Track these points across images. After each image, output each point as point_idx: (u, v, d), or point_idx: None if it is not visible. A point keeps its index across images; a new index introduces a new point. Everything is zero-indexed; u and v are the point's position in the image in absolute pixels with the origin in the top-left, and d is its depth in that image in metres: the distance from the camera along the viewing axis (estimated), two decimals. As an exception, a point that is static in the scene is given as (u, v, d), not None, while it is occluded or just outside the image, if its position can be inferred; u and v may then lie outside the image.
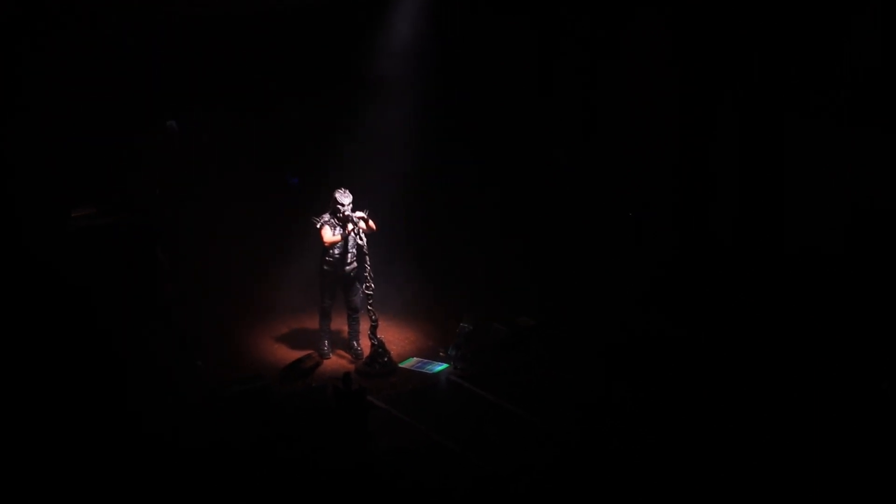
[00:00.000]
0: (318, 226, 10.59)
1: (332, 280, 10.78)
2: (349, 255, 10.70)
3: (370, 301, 10.70)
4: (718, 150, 11.68)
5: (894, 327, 10.01)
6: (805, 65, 10.75)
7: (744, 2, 11.12)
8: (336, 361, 10.84)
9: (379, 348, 10.65)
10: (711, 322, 11.00)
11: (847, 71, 10.48)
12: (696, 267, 11.75)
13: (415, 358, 10.96)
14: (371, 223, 10.59)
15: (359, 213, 10.55)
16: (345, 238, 10.61)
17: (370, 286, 10.69)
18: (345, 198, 10.56)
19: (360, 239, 10.63)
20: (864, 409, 9.18)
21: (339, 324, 11.19)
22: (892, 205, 10.27)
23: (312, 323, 11.25)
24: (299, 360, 10.51)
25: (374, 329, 10.67)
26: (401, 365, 10.76)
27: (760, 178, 11.26)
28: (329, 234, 10.58)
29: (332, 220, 10.59)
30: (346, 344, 11.10)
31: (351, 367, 10.59)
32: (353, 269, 10.76)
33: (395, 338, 11.36)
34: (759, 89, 11.10)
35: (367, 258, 10.66)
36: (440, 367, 10.70)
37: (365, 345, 10.88)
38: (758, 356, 10.25)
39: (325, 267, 10.74)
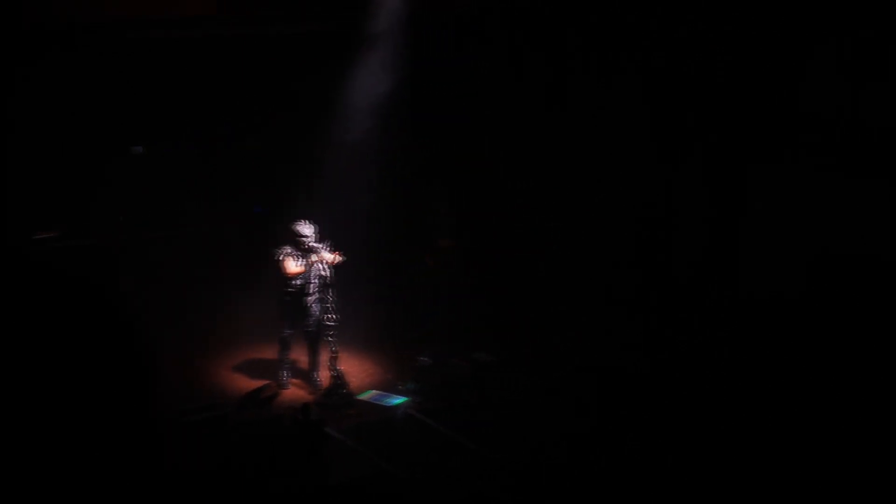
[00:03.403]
0: (279, 258, 10.62)
1: (293, 310, 10.80)
2: (311, 285, 10.72)
3: (331, 332, 10.73)
4: (682, 191, 11.80)
5: None
6: (767, 109, 10.95)
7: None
8: (294, 392, 10.83)
9: (338, 380, 10.67)
10: (670, 356, 11.12)
11: (809, 116, 10.67)
12: (657, 304, 11.86)
13: (373, 390, 10.98)
14: (337, 255, 10.60)
15: (321, 245, 10.59)
16: (308, 268, 10.65)
17: (332, 317, 10.72)
18: (306, 229, 10.59)
19: (324, 270, 10.68)
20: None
21: (299, 354, 11.21)
22: (857, 249, 10.41)
23: (272, 353, 11.25)
24: (258, 390, 10.49)
25: (333, 360, 10.67)
26: (359, 397, 10.77)
27: (721, 218, 11.43)
28: (292, 266, 10.59)
29: (294, 252, 10.62)
30: (305, 374, 11.11)
31: (310, 397, 10.60)
32: (315, 299, 10.80)
33: (355, 370, 11.37)
34: (723, 132, 11.28)
35: (331, 290, 10.70)
36: (398, 400, 10.74)
37: (324, 376, 10.89)
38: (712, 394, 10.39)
39: (286, 297, 10.76)
